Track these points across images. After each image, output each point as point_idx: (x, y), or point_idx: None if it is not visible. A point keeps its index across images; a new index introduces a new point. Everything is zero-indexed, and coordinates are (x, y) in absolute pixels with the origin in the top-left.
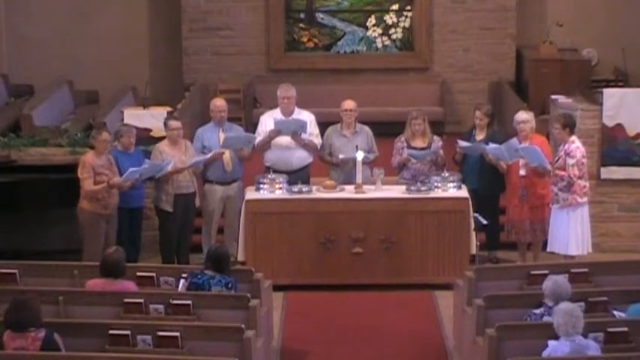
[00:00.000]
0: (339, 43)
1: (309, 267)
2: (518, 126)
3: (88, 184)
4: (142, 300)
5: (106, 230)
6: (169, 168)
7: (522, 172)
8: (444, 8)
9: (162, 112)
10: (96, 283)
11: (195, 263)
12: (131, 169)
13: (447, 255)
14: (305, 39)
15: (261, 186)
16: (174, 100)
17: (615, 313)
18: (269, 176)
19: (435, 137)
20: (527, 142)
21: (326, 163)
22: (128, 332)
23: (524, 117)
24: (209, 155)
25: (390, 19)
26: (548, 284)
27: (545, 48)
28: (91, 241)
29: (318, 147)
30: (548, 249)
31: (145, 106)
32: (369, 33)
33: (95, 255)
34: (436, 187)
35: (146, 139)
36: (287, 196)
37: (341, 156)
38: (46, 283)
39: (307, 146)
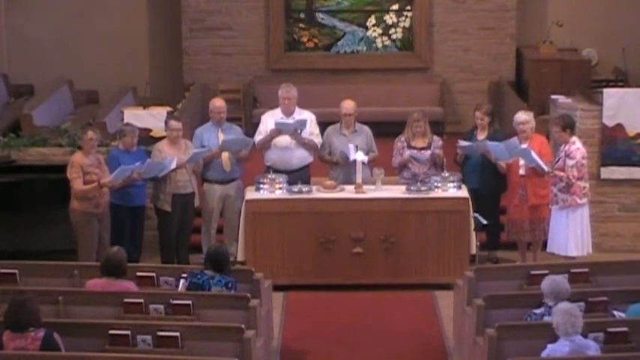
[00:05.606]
0: (339, 43)
1: (309, 267)
2: (518, 127)
3: (77, 184)
4: (142, 300)
5: (99, 230)
6: (173, 166)
7: (522, 171)
8: (444, 8)
9: (162, 112)
10: (96, 283)
11: (195, 263)
12: (121, 167)
13: (447, 255)
14: (305, 39)
15: (261, 186)
16: (175, 100)
17: (615, 313)
18: (269, 176)
19: (435, 137)
20: (527, 143)
21: (326, 163)
22: (128, 332)
23: (524, 118)
24: (206, 150)
25: (390, 19)
26: (546, 284)
27: (545, 48)
28: (85, 240)
29: (319, 146)
30: (548, 250)
31: (145, 106)
32: (369, 33)
33: (90, 255)
34: (436, 187)
35: (146, 139)
36: (287, 196)
37: (340, 151)
38: (46, 283)
39: (307, 145)
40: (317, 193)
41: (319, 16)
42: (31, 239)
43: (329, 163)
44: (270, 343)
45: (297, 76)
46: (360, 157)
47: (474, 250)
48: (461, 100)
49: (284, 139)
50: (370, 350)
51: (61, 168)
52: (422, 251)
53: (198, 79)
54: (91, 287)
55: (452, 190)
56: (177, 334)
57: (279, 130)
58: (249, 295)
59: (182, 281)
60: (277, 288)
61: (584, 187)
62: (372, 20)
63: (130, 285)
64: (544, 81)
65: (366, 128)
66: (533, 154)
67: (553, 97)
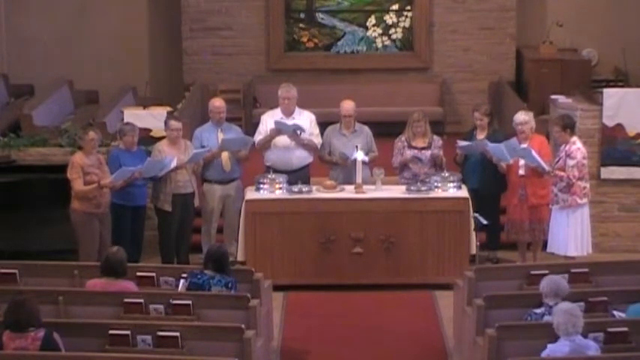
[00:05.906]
0: (339, 43)
1: (309, 267)
2: (517, 127)
3: (77, 185)
4: (142, 300)
5: (100, 230)
6: (173, 164)
7: (521, 171)
8: (444, 8)
9: (162, 112)
10: (96, 283)
11: (195, 263)
12: (122, 169)
13: (447, 255)
14: (305, 39)
15: (261, 186)
16: (175, 100)
17: (615, 313)
18: (269, 176)
19: (435, 137)
20: (527, 143)
21: (326, 163)
22: (128, 332)
23: (523, 118)
24: (206, 150)
25: (390, 19)
26: (544, 284)
27: (545, 48)
28: (86, 240)
29: (319, 147)
30: (548, 250)
31: (145, 106)
32: (369, 33)
33: (91, 255)
34: (436, 187)
35: (146, 139)
36: (287, 196)
37: (340, 151)
38: (46, 283)
39: (307, 146)
40: (317, 193)
41: (319, 16)
42: (31, 239)
43: (329, 164)
44: (270, 343)
45: (297, 76)
46: (360, 156)
47: (474, 250)
48: (461, 100)
49: (284, 139)
50: (370, 350)
51: (61, 168)
52: (422, 251)
53: (198, 79)
54: (91, 287)
55: (452, 190)
56: (177, 334)
57: (279, 130)
58: (249, 295)
59: (182, 281)
60: (277, 288)
61: (585, 187)
62: (372, 20)
63: (130, 285)
64: (544, 81)
65: (366, 128)
66: (534, 154)
67: (553, 97)
